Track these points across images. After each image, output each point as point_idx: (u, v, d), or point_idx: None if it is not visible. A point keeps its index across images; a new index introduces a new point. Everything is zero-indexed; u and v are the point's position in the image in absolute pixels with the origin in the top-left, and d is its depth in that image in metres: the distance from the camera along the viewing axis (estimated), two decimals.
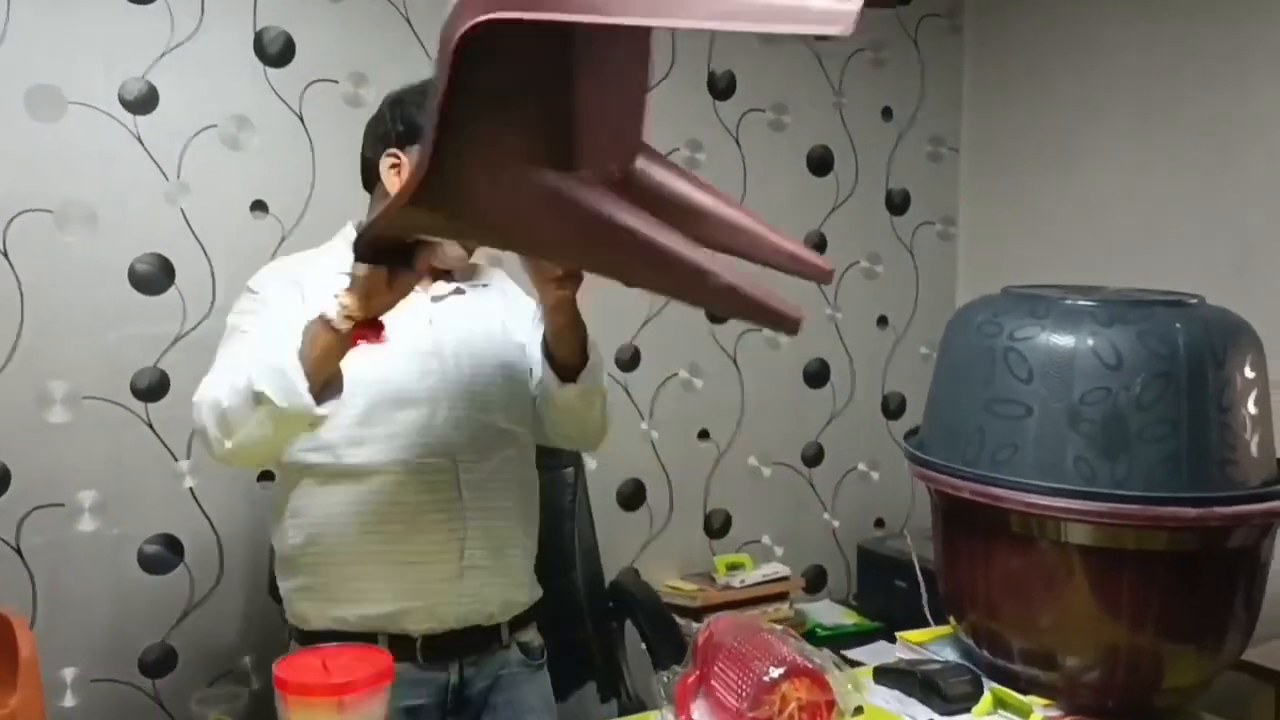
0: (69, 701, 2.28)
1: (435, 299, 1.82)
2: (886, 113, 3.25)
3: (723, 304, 1.35)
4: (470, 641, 1.78)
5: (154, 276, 2.34)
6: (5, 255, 2.20)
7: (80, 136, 2.26)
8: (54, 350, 2.25)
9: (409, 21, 2.57)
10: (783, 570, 2.98)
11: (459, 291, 1.85)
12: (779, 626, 1.52)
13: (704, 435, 3.06)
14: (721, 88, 3.01)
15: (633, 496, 2.95)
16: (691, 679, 1.50)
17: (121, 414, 2.32)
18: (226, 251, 2.39)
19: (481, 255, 1.92)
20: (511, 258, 1.82)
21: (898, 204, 3.29)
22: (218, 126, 2.38)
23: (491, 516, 1.77)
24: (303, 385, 1.49)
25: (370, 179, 1.84)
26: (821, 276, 1.46)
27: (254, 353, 1.58)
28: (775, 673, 1.37)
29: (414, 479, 1.71)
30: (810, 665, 1.39)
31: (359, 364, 1.60)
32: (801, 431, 3.21)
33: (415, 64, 2.56)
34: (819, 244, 3.16)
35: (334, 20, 2.49)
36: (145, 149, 2.32)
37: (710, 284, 1.16)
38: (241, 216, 2.42)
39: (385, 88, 2.49)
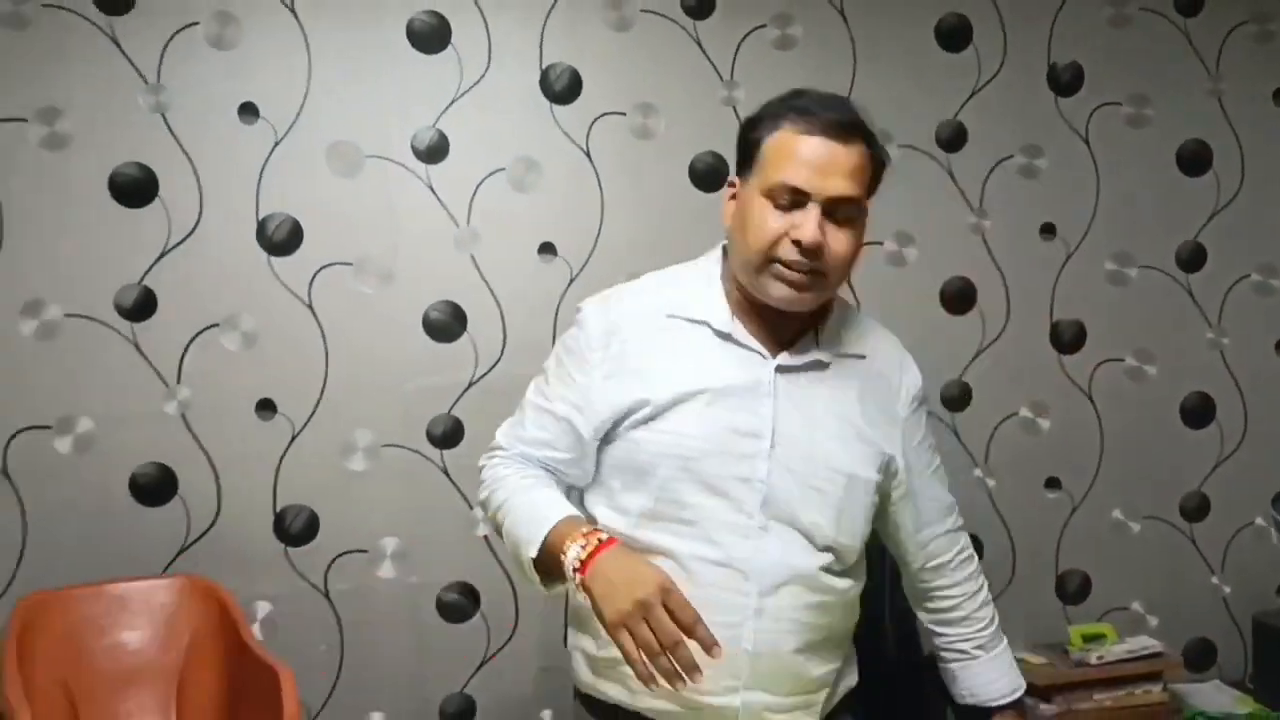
0: None
1: (783, 370, 1.49)
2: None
3: None
4: None
5: (446, 324, 2.33)
6: (311, 308, 2.28)
7: (376, 189, 2.30)
8: (356, 399, 2.30)
9: (699, 43, 2.42)
10: (1153, 645, 2.49)
11: (818, 365, 1.52)
12: None
13: (1053, 484, 2.65)
14: (1065, 81, 2.61)
15: None
16: None
17: (419, 461, 2.33)
18: (516, 296, 2.35)
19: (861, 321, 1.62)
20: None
21: None
22: (506, 170, 2.35)
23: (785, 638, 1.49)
24: (534, 575, 1.45)
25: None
26: None
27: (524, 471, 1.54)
28: None
29: (704, 575, 1.44)
30: None
31: (672, 427, 1.45)
32: (1179, 480, 2.72)
33: (705, 86, 2.43)
34: (1195, 255, 2.67)
35: (619, 50, 2.39)
36: (437, 197, 2.33)
37: None
38: (530, 260, 2.37)
39: (674, 116, 2.43)
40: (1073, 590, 2.66)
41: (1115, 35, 2.62)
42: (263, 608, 2.26)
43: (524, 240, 2.37)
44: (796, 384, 1.49)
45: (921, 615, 1.72)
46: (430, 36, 2.31)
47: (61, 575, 2.10)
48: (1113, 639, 2.53)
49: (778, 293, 1.44)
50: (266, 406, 2.27)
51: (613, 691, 1.52)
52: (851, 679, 1.65)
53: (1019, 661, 2.46)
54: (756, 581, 1.44)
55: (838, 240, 1.42)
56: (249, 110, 2.24)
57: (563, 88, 2.37)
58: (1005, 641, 1.72)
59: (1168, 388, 2.68)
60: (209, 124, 2.22)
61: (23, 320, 2.15)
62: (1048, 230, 2.62)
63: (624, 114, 2.40)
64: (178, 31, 2.19)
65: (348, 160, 2.29)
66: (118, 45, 2.16)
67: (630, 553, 1.37)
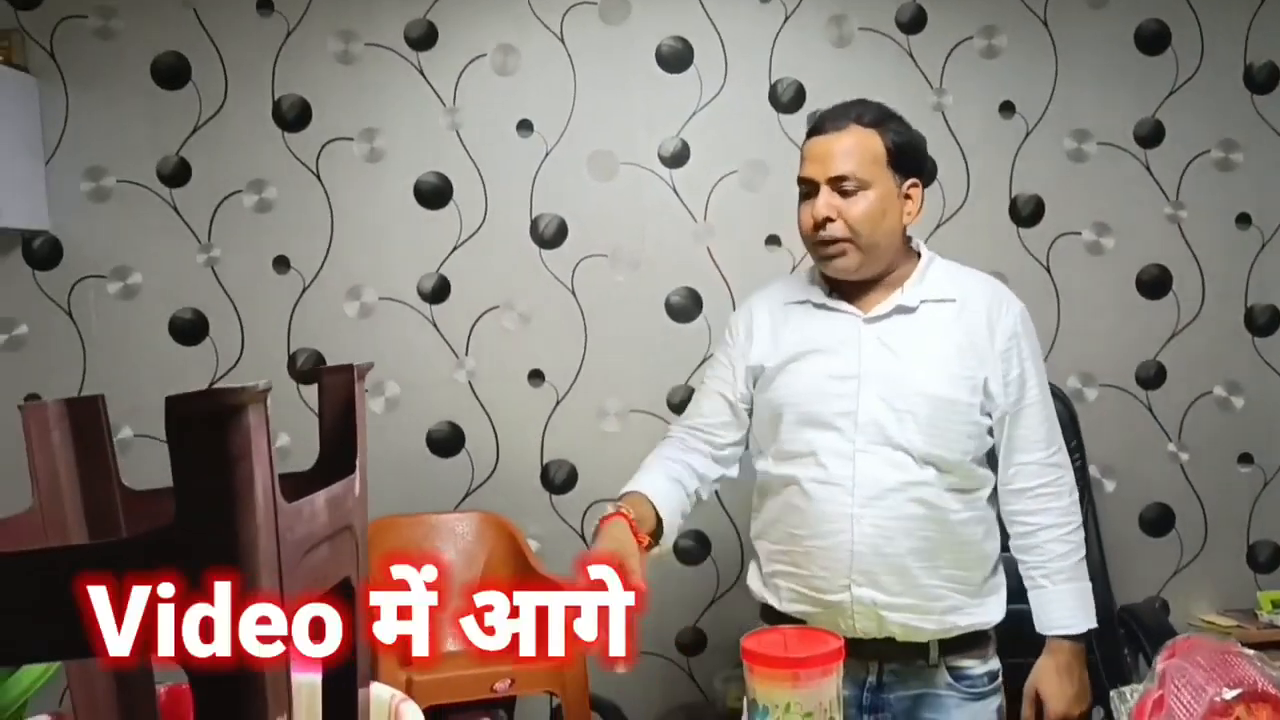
0: None
1: (870, 320, 1.77)
2: None
3: None
4: (890, 649, 1.77)
5: (685, 306, 2.70)
6: (573, 293, 2.69)
7: (628, 191, 2.69)
8: (608, 371, 2.70)
9: (911, 55, 2.70)
10: None
11: (904, 310, 1.77)
12: (1251, 651, 1.43)
13: (1246, 459, 2.81)
14: (1262, 80, 2.77)
15: (1158, 522, 2.79)
16: (1151, 699, 1.47)
17: (660, 425, 2.67)
18: (745, 281, 2.67)
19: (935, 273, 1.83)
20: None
21: None
22: (738, 172, 2.70)
23: (888, 542, 1.74)
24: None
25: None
26: None
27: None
28: (1229, 694, 1.31)
29: (816, 493, 1.75)
30: (1274, 691, 1.31)
31: (785, 383, 1.79)
32: None
33: (916, 93, 2.70)
34: None
35: (839, 63, 2.70)
36: (679, 197, 2.69)
37: None
38: (758, 250, 2.71)
39: None
40: (1264, 560, 2.81)
41: None
42: (531, 544, 2.68)
43: (753, 234, 2.71)
44: (885, 329, 1.76)
45: (1011, 544, 1.86)
46: (676, 59, 2.68)
47: (374, 509, 2.56)
48: None
49: (828, 265, 1.77)
50: (536, 376, 2.69)
51: (769, 597, 1.86)
52: (983, 616, 1.80)
53: (1207, 623, 2.69)
54: (857, 494, 1.72)
55: (850, 208, 1.71)
56: (525, 126, 2.66)
57: (789, 99, 2.70)
58: (1082, 582, 1.81)
59: None
60: (493, 138, 2.66)
61: (347, 302, 2.63)
62: (1244, 220, 2.78)
63: None
64: (470, 62, 2.64)
65: (605, 167, 2.68)
66: (423, 75, 2.63)
67: (611, 534, 1.67)
